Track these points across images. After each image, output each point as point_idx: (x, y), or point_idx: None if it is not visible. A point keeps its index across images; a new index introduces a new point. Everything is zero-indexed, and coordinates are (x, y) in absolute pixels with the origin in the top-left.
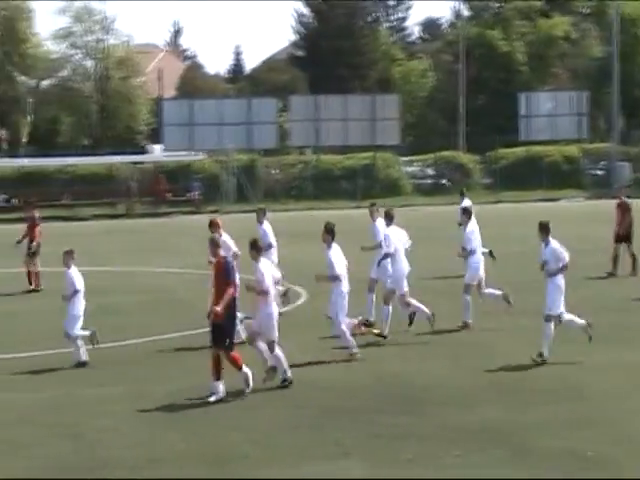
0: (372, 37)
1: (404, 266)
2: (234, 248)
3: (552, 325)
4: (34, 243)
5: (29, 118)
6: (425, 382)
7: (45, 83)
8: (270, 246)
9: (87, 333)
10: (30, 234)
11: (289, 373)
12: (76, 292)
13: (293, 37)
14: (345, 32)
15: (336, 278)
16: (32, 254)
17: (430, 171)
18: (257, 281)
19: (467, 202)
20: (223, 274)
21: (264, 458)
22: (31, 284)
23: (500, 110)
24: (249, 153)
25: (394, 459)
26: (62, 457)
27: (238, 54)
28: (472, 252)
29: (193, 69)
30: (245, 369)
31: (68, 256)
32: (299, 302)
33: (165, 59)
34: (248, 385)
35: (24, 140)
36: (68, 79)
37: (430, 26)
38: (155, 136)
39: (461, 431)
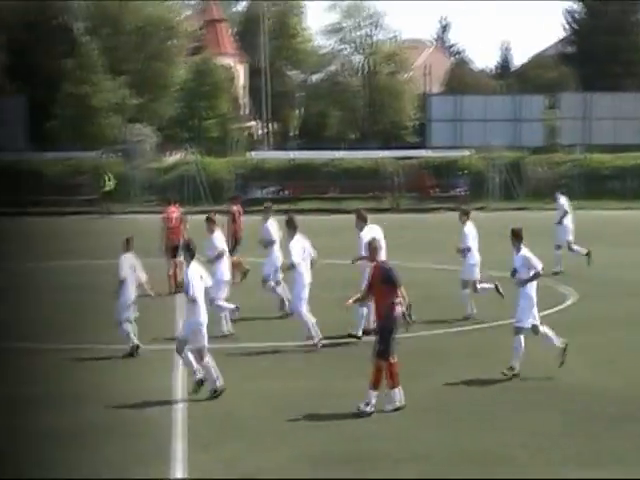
0: None
1: None
2: (220, 246)
3: (522, 338)
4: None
5: (298, 112)
6: None
7: (314, 77)
8: (271, 243)
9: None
10: (231, 228)
11: (219, 383)
12: (121, 282)
13: (562, 33)
14: (619, 28)
15: (293, 266)
16: (233, 247)
17: None
18: (185, 286)
19: (563, 201)
20: (381, 280)
21: (533, 462)
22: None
23: None
24: (516, 150)
25: None
26: (324, 447)
27: (506, 50)
28: (468, 250)
29: (460, 65)
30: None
31: (126, 244)
32: (567, 303)
33: (432, 54)
34: (369, 403)
35: (293, 133)
36: (337, 74)
37: None
38: (421, 132)
39: None
